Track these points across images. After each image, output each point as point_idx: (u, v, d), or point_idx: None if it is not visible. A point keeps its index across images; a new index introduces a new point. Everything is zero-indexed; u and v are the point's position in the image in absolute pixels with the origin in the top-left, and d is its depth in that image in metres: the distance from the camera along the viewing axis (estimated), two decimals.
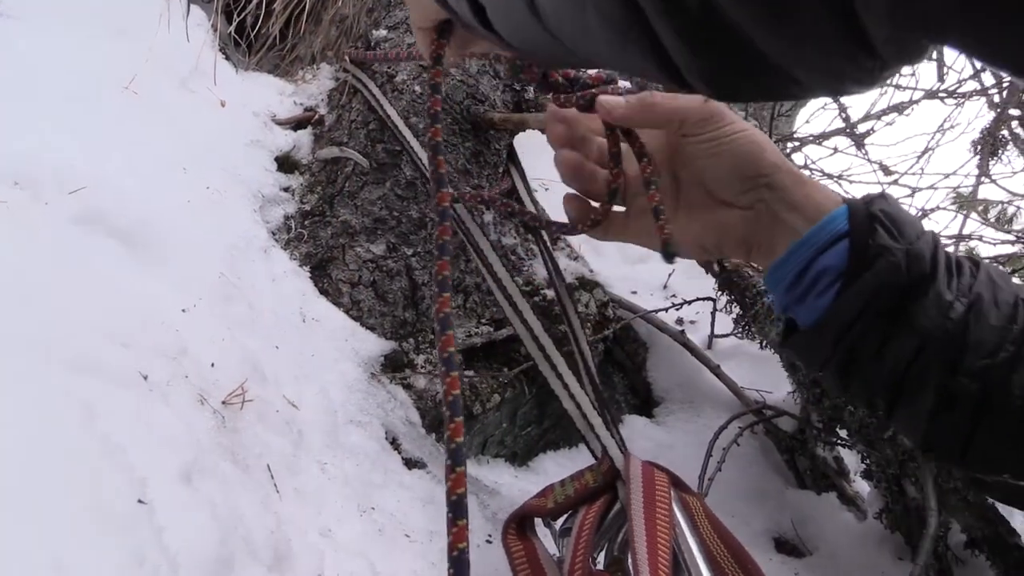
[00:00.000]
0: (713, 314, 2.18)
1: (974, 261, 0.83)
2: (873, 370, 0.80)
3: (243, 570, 0.85)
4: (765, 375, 2.01)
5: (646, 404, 2.07)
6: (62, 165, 1.32)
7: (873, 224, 0.79)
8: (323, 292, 1.63)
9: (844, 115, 3.15)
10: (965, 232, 2.89)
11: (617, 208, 0.94)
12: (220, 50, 1.97)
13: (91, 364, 0.97)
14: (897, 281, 0.76)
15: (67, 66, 1.61)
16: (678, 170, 0.92)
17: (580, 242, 2.20)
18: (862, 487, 1.93)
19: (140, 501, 0.77)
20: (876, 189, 1.98)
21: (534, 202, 1.68)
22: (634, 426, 1.92)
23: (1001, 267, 2.89)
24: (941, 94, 3.02)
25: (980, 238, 2.93)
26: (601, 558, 1.14)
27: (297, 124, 1.93)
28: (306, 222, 1.73)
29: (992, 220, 3.65)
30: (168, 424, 0.96)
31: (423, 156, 1.53)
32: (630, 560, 0.96)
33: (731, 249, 0.91)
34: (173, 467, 0.88)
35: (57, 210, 1.26)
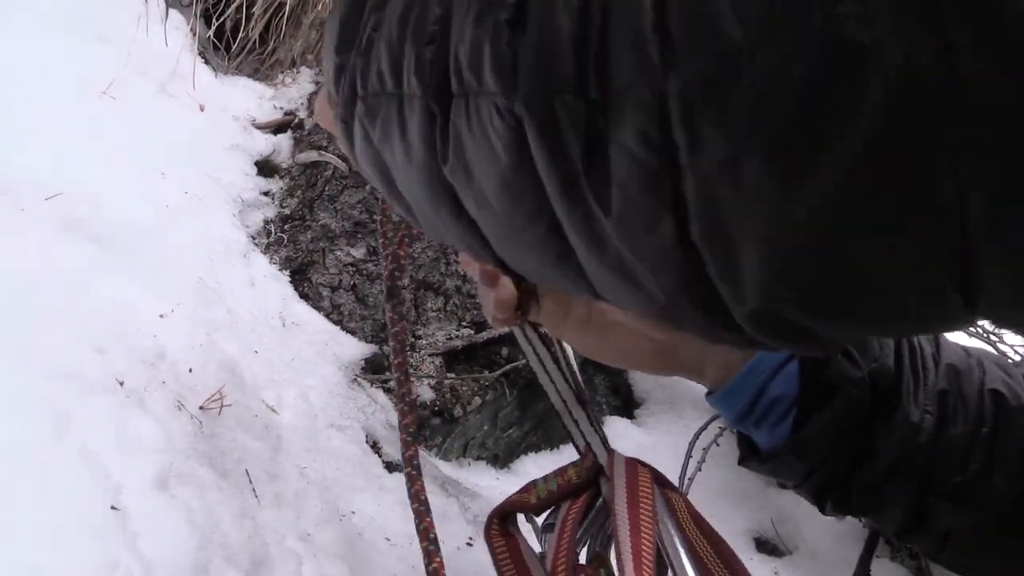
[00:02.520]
0: None
1: (934, 342, 0.78)
2: (844, 495, 0.76)
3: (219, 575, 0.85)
4: None
5: (627, 405, 2.08)
6: (39, 171, 1.32)
7: None
8: (303, 296, 1.63)
9: None
10: None
11: None
12: (199, 54, 1.96)
13: (67, 371, 0.96)
14: (861, 410, 0.71)
15: (44, 71, 1.60)
16: None
17: None
18: None
19: (113, 507, 0.76)
20: None
21: None
22: (615, 427, 1.93)
23: None
24: None
25: None
26: (584, 553, 1.14)
27: (277, 128, 1.93)
28: (286, 226, 1.73)
29: None
30: (144, 430, 0.96)
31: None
32: (613, 555, 0.96)
33: (666, 371, 0.83)
34: (149, 473, 0.88)
35: (34, 216, 1.25)
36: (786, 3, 0.25)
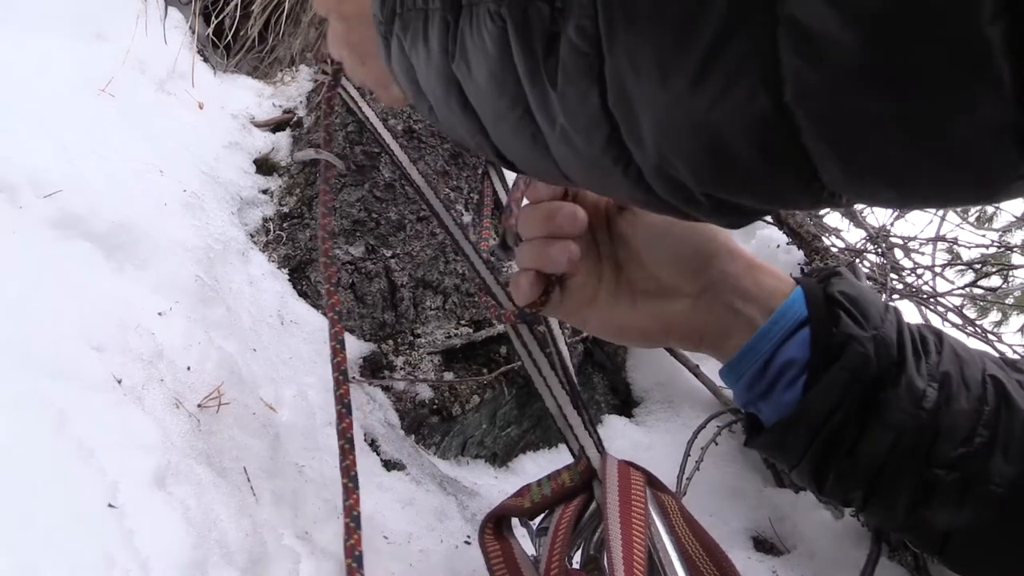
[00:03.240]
0: None
1: (936, 333, 0.79)
2: (847, 467, 0.76)
3: (217, 573, 0.85)
4: None
5: (626, 404, 2.08)
6: (37, 169, 1.32)
7: (834, 309, 0.76)
8: (302, 294, 1.63)
9: None
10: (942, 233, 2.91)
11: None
12: (198, 52, 1.96)
13: (64, 369, 0.97)
14: (867, 372, 0.73)
15: (43, 69, 1.60)
16: (618, 251, 0.88)
17: None
18: None
19: (111, 505, 0.77)
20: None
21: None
22: (614, 426, 1.93)
23: (982, 266, 2.92)
24: None
25: (956, 240, 2.95)
26: (577, 557, 1.14)
27: (276, 126, 1.93)
28: (285, 224, 1.73)
29: (971, 220, 3.68)
30: (142, 428, 0.96)
31: (403, 158, 1.54)
32: (606, 559, 0.96)
33: (678, 339, 0.86)
34: (146, 471, 0.88)
35: (32, 214, 1.25)
36: None
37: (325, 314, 1.32)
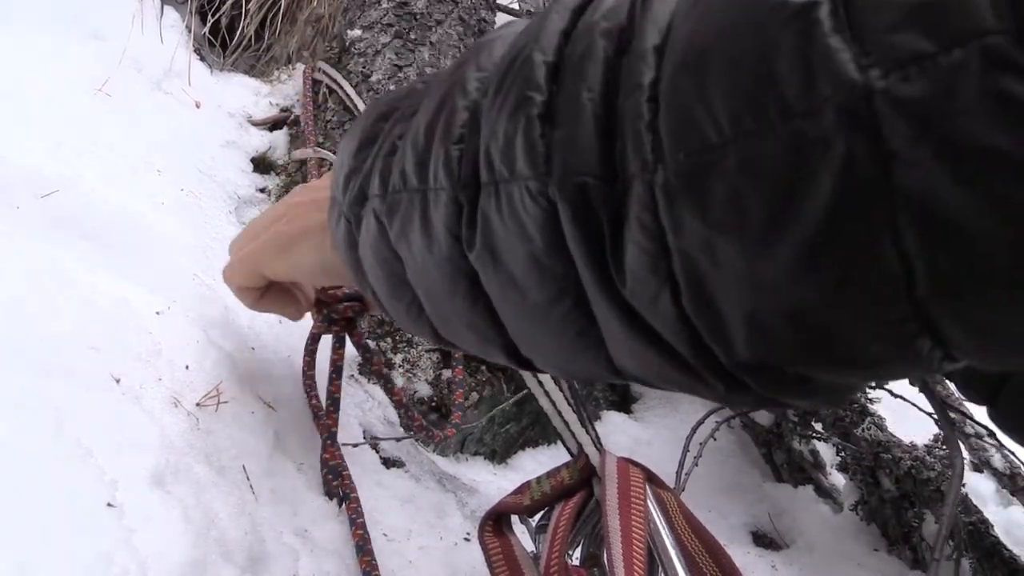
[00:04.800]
0: None
1: None
2: None
3: (216, 572, 0.85)
4: None
5: (624, 400, 2.08)
6: (33, 168, 1.32)
7: None
8: None
9: None
10: None
11: None
12: (195, 51, 1.96)
13: (61, 368, 0.96)
14: None
15: (38, 69, 1.60)
16: None
17: None
18: (838, 480, 1.95)
19: (109, 504, 0.77)
20: None
21: None
22: (612, 422, 1.93)
23: None
24: None
25: None
26: (577, 554, 1.15)
27: (273, 124, 1.93)
28: None
29: None
30: (140, 427, 0.96)
31: None
32: (605, 555, 0.96)
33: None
34: (144, 470, 0.88)
35: (29, 214, 1.25)
36: (754, 114, 0.29)
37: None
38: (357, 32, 1.97)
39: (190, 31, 1.97)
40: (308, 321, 1.58)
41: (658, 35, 0.35)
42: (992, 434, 1.89)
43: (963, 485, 1.67)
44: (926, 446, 1.82)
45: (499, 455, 1.78)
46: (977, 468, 2.00)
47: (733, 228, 0.32)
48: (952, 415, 1.77)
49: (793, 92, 0.28)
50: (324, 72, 1.89)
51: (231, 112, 1.88)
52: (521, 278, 0.43)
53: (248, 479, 1.12)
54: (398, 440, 1.50)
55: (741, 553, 1.63)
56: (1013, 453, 1.88)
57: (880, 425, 1.86)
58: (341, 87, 1.81)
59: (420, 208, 0.47)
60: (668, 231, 0.34)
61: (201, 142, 1.74)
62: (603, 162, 0.37)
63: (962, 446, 1.69)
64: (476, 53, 0.47)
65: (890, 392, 1.91)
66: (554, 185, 0.38)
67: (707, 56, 0.32)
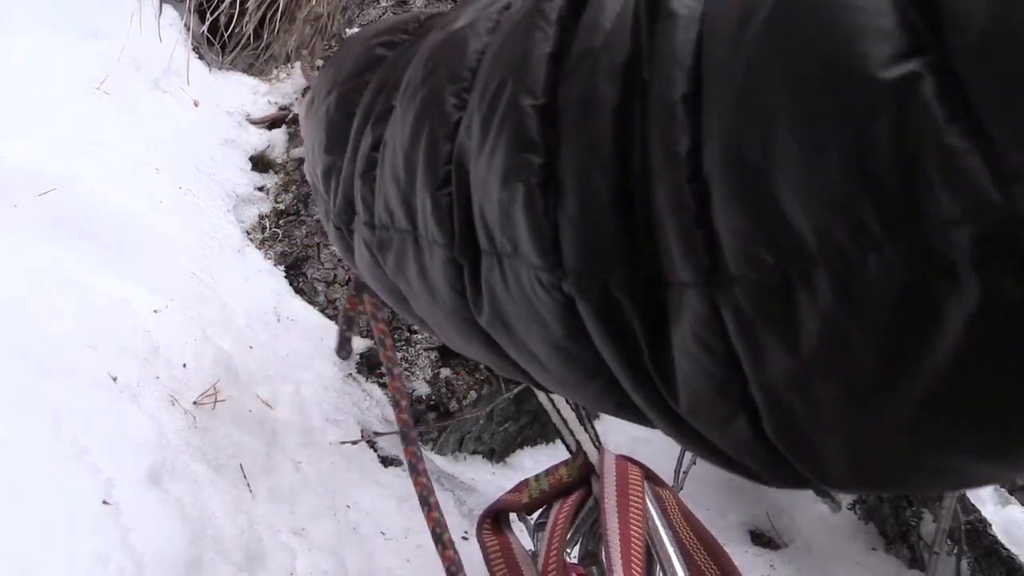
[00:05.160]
0: None
1: None
2: None
3: (212, 570, 0.86)
4: None
5: None
6: (32, 167, 1.32)
7: None
8: (298, 291, 1.63)
9: None
10: None
11: None
12: (193, 49, 1.96)
13: (59, 367, 0.97)
14: None
15: (38, 67, 1.60)
16: None
17: None
18: None
19: (106, 502, 0.77)
20: None
21: None
22: (611, 420, 1.93)
23: None
24: None
25: None
26: (576, 552, 1.15)
27: (271, 123, 1.93)
28: (281, 221, 1.73)
29: None
30: (137, 425, 0.96)
31: None
32: (604, 553, 0.96)
33: None
34: (141, 468, 0.88)
35: (27, 212, 1.25)
36: (848, 227, 0.23)
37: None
38: (356, 30, 1.97)
39: (189, 30, 1.98)
40: (307, 324, 1.58)
41: (686, 79, 0.27)
42: None
43: None
44: None
45: (498, 453, 1.78)
46: None
47: (835, 368, 0.25)
48: None
49: (900, 203, 0.22)
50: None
51: (230, 111, 1.89)
52: (543, 358, 0.36)
53: (245, 477, 1.12)
54: (398, 433, 1.50)
55: (739, 552, 1.64)
56: None
57: None
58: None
59: (414, 253, 0.40)
60: (744, 357, 0.27)
61: (200, 141, 1.74)
62: (630, 254, 0.29)
63: None
64: (446, 54, 0.39)
65: None
66: (570, 283, 0.31)
67: (772, 125, 0.24)
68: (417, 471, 1.10)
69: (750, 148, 0.25)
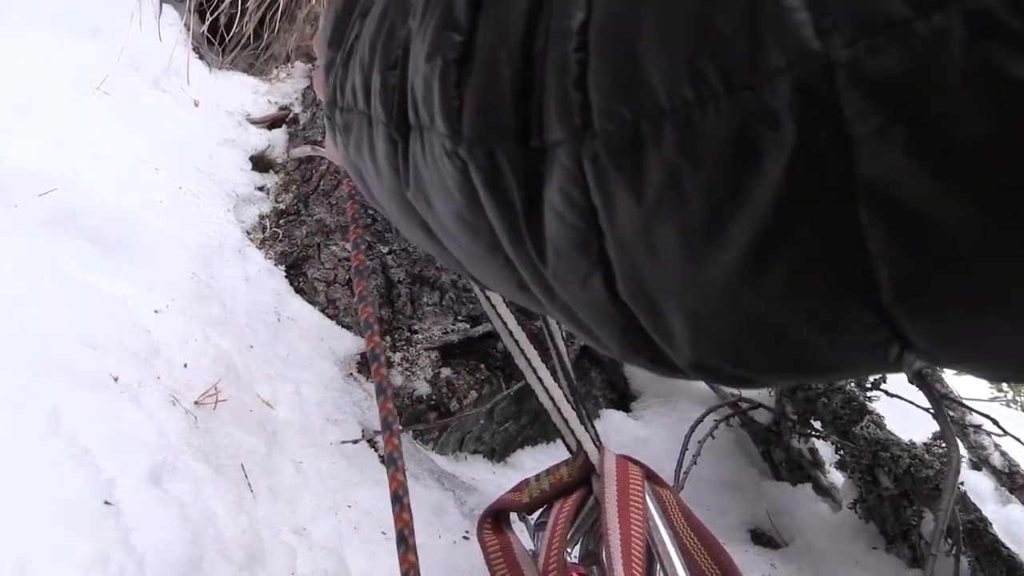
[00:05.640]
0: None
1: None
2: None
3: (213, 569, 0.85)
4: None
5: (623, 398, 2.08)
6: (32, 167, 1.32)
7: None
8: (298, 291, 1.63)
9: None
10: None
11: None
12: (194, 49, 1.96)
13: (59, 366, 0.97)
14: None
15: (38, 67, 1.60)
16: None
17: None
18: (836, 478, 1.95)
19: (106, 502, 0.77)
20: None
21: None
22: (611, 420, 1.93)
23: None
24: None
25: None
26: (576, 551, 1.15)
27: (272, 123, 1.93)
28: (281, 221, 1.72)
29: None
30: (137, 425, 0.96)
31: None
32: (604, 553, 0.96)
33: None
34: (142, 468, 0.88)
35: (27, 212, 1.25)
36: (692, 81, 0.25)
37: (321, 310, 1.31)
38: None
39: (189, 29, 1.97)
40: (307, 324, 1.58)
41: None
42: (995, 422, 1.89)
43: (961, 484, 1.67)
44: (925, 444, 1.82)
45: (498, 453, 1.78)
46: (976, 466, 2.01)
47: (672, 215, 0.27)
48: (951, 413, 1.77)
49: (737, 57, 0.24)
50: None
51: (230, 110, 1.89)
52: (453, 229, 0.39)
53: (246, 477, 1.12)
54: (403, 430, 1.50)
55: (740, 551, 1.64)
56: (1018, 441, 1.88)
57: (879, 423, 1.86)
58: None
59: (368, 133, 0.44)
60: (600, 211, 0.29)
61: (199, 140, 1.74)
62: (519, 122, 0.32)
63: (960, 443, 1.69)
64: None
65: (886, 392, 1.92)
66: (464, 147, 0.34)
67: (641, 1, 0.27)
68: (396, 466, 1.09)
69: (624, 16, 0.27)
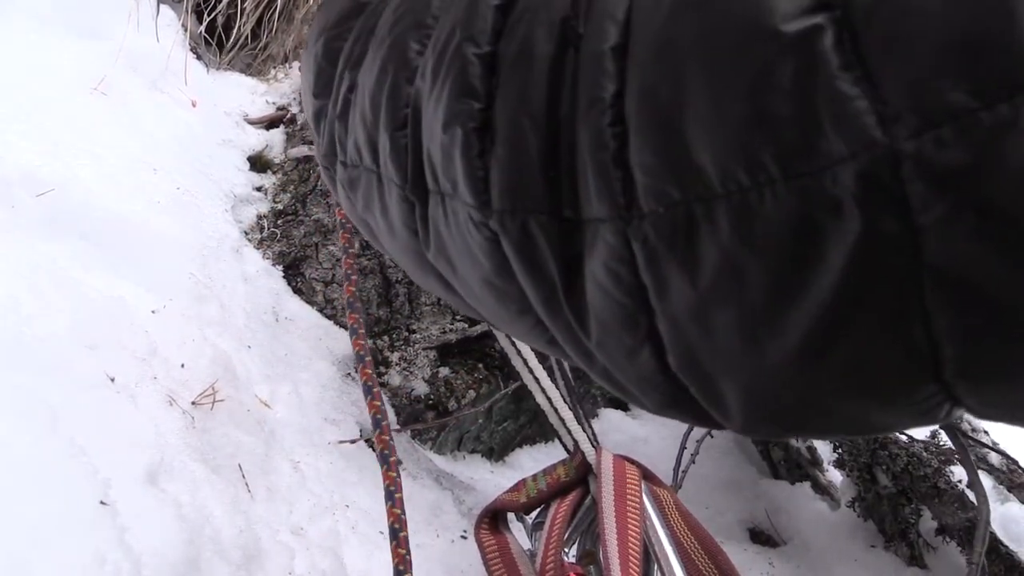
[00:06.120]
0: None
1: None
2: None
3: (210, 569, 0.86)
4: None
5: None
6: (30, 168, 1.32)
7: None
8: (296, 291, 1.63)
9: None
10: None
11: None
12: (191, 50, 1.96)
13: (57, 366, 0.97)
14: None
15: (35, 67, 1.60)
16: None
17: None
18: (835, 476, 1.95)
19: (102, 502, 0.77)
20: None
21: None
22: (610, 420, 1.93)
23: None
24: None
25: None
26: (574, 551, 1.15)
27: (269, 123, 1.93)
28: (279, 221, 1.73)
29: None
30: (135, 425, 0.96)
31: None
32: (601, 553, 0.96)
33: None
34: (139, 468, 0.88)
35: (25, 213, 1.25)
36: (747, 166, 0.24)
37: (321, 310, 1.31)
38: None
39: (186, 30, 1.97)
40: (305, 324, 1.58)
41: (617, 32, 0.28)
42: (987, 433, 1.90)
43: (959, 482, 1.67)
44: (923, 442, 1.83)
45: (496, 453, 1.78)
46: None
47: (730, 298, 0.27)
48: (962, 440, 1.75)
49: (794, 142, 0.23)
50: None
51: (227, 111, 1.89)
52: (479, 294, 0.39)
53: (243, 477, 1.12)
54: (399, 431, 1.50)
55: (738, 550, 1.64)
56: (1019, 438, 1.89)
57: None
58: None
59: (378, 191, 0.43)
60: (650, 289, 0.29)
61: (197, 141, 1.74)
62: (550, 192, 0.31)
63: (985, 482, 1.66)
64: (414, 2, 0.41)
65: None
66: (495, 219, 0.33)
67: (685, 72, 0.26)
68: (388, 463, 1.09)
69: (665, 92, 0.26)
